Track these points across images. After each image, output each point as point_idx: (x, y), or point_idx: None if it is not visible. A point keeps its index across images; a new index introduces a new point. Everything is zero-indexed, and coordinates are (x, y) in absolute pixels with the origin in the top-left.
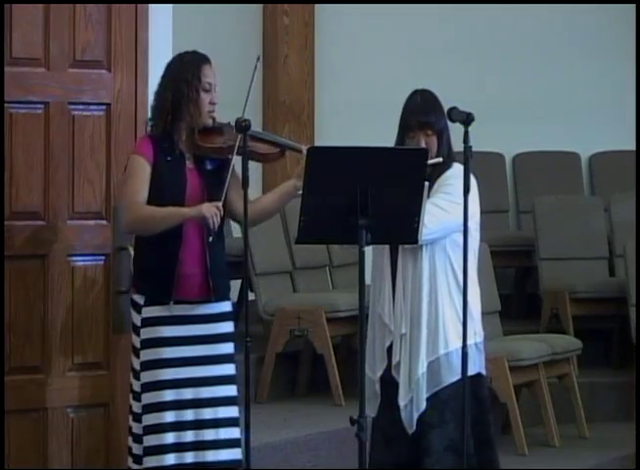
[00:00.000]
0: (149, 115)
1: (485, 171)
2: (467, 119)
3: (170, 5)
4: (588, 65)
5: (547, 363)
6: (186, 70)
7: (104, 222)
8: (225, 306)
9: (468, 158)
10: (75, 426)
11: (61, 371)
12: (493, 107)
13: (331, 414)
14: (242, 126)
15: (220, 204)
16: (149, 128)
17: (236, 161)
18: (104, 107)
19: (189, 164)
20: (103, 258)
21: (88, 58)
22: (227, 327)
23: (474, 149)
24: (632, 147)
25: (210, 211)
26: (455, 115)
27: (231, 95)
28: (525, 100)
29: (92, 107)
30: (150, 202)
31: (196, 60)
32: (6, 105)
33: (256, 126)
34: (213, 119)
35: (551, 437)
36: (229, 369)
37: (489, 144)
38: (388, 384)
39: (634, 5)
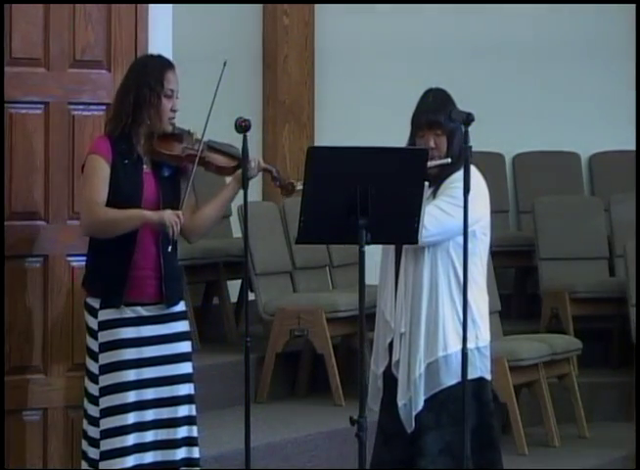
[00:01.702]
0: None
1: (485, 171)
2: (467, 119)
3: (170, 5)
4: (588, 65)
5: (547, 363)
6: (149, 74)
7: None
8: (179, 306)
9: (468, 158)
10: (75, 426)
11: (61, 371)
12: (493, 107)
13: (331, 414)
14: (242, 126)
15: (181, 213)
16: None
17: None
18: (104, 107)
19: (146, 168)
20: None
21: (88, 58)
22: (183, 326)
23: (474, 149)
24: (632, 147)
25: (171, 219)
26: (455, 115)
27: (230, 94)
28: (526, 100)
29: (92, 107)
30: (107, 203)
31: (160, 65)
32: (6, 105)
33: (256, 126)
34: (173, 126)
35: (551, 437)
36: (187, 368)
37: (489, 144)
38: (390, 380)
39: (634, 5)
